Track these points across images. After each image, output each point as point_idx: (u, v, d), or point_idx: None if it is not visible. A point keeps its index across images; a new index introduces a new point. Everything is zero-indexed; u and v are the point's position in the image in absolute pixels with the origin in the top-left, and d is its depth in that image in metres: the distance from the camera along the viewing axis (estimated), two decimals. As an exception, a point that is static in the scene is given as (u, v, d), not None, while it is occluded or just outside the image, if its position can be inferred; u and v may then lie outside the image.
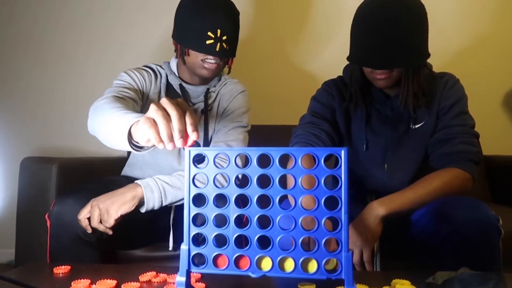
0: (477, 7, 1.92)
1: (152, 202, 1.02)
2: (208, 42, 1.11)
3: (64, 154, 1.78)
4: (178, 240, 1.12)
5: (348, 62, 1.10)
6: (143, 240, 1.17)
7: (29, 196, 1.28)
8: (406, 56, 0.97)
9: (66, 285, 0.69)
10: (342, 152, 0.54)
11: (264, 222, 0.57)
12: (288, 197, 0.64)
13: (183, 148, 1.21)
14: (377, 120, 1.12)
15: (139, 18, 1.95)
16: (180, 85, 1.24)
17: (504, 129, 1.91)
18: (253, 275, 0.57)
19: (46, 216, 1.00)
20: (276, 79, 1.95)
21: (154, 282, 0.72)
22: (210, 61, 1.14)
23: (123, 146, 0.79)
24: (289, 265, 0.56)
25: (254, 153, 0.57)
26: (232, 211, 0.58)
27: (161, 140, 0.62)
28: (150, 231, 1.16)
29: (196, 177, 0.59)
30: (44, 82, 1.95)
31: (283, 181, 0.57)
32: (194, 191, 0.59)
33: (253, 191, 0.57)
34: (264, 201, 0.57)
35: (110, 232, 0.97)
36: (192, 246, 0.58)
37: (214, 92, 1.27)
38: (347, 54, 1.06)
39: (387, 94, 1.11)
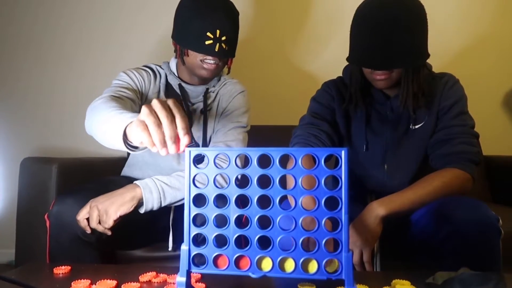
0: (477, 7, 1.92)
1: (151, 203, 1.02)
2: (207, 42, 1.11)
3: (64, 154, 1.78)
4: (178, 241, 1.12)
5: (347, 63, 1.10)
6: (142, 240, 1.17)
7: (29, 196, 1.28)
8: (406, 56, 0.97)
9: (66, 285, 0.69)
10: (343, 152, 0.54)
11: (264, 222, 0.57)
12: (288, 197, 0.64)
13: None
14: (377, 120, 1.12)
15: (139, 18, 1.95)
16: (180, 85, 1.24)
17: (504, 129, 1.91)
18: (253, 276, 0.57)
19: (46, 216, 1.00)
20: (276, 80, 1.95)
21: (154, 282, 0.72)
22: (209, 61, 1.15)
23: (118, 145, 0.79)
24: (290, 265, 0.56)
25: (254, 153, 0.57)
26: (233, 212, 0.58)
27: (154, 144, 0.63)
28: (149, 232, 1.16)
29: (196, 177, 0.59)
30: (44, 82, 1.95)
31: (283, 182, 0.57)
32: (194, 192, 0.59)
33: (254, 192, 0.57)
34: (264, 201, 0.57)
35: (109, 233, 0.97)
36: (192, 246, 0.58)
37: (213, 92, 1.27)
38: (347, 54, 1.07)
39: (387, 95, 1.11)
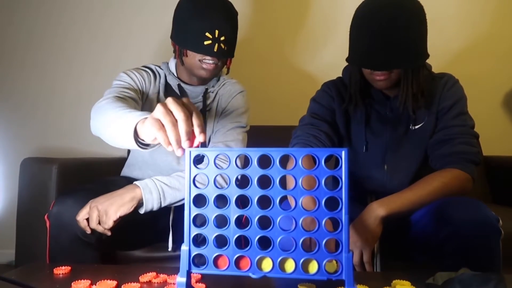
0: (477, 8, 1.92)
1: (151, 203, 1.02)
2: (206, 42, 1.11)
3: (64, 155, 1.78)
4: (178, 241, 1.12)
5: (347, 63, 1.10)
6: (142, 241, 1.17)
7: (29, 197, 1.28)
8: (405, 57, 0.97)
9: (66, 285, 0.69)
10: (343, 152, 0.54)
11: (264, 222, 0.57)
12: (288, 197, 0.64)
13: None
14: (377, 121, 1.12)
15: (139, 18, 1.95)
16: (179, 85, 1.24)
17: (504, 130, 1.91)
18: (253, 276, 0.57)
19: (46, 216, 1.00)
20: (275, 80, 1.95)
21: (154, 282, 0.72)
22: (208, 61, 1.14)
23: (128, 144, 0.78)
24: (290, 265, 0.56)
25: (254, 153, 0.57)
26: (233, 212, 0.58)
27: (169, 144, 0.63)
28: (149, 232, 1.16)
29: (196, 177, 0.59)
30: (44, 82, 1.95)
31: (283, 182, 0.57)
32: (194, 192, 0.59)
33: (254, 192, 0.57)
34: (264, 201, 0.57)
35: (109, 233, 0.97)
36: (192, 246, 0.58)
37: (212, 92, 1.27)
38: (346, 55, 1.07)
39: (387, 95, 1.11)
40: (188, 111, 0.62)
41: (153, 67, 1.27)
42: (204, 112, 1.23)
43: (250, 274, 0.57)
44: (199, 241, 0.59)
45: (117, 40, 1.95)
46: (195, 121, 0.62)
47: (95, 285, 0.69)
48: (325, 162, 0.55)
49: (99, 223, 0.95)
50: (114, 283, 0.70)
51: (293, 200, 0.57)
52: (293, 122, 1.24)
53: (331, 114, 1.15)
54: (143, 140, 0.75)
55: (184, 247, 0.58)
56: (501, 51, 1.91)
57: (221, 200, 0.58)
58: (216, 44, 1.11)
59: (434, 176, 0.97)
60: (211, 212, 0.58)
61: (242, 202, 0.58)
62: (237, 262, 0.58)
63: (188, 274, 0.58)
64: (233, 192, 0.58)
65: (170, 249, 1.12)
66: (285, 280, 0.62)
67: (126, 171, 1.32)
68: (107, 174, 1.37)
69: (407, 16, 0.96)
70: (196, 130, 0.62)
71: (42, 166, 1.27)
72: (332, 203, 0.55)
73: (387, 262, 0.94)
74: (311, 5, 1.95)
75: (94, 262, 0.99)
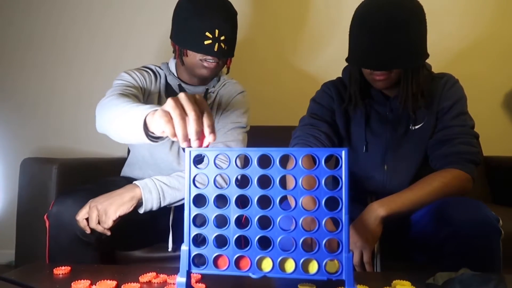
0: (477, 7, 1.92)
1: (151, 203, 1.02)
2: (206, 42, 1.11)
3: (64, 155, 1.78)
4: (178, 241, 1.12)
5: (347, 64, 1.10)
6: (142, 241, 1.17)
7: (29, 197, 1.28)
8: (405, 57, 0.97)
9: (66, 285, 0.69)
10: (343, 152, 0.54)
11: (264, 222, 0.57)
12: (288, 197, 0.64)
13: (183, 149, 1.21)
14: (377, 121, 1.12)
15: (139, 18, 1.95)
16: (179, 85, 1.24)
17: (504, 130, 1.91)
18: (253, 276, 0.57)
19: (45, 216, 1.00)
20: (275, 80, 1.95)
21: (154, 283, 0.72)
22: (209, 60, 1.14)
23: (137, 138, 0.77)
24: (290, 265, 0.56)
25: (254, 153, 0.57)
26: (233, 212, 0.58)
27: (175, 136, 0.61)
28: (149, 232, 1.16)
29: (196, 177, 0.59)
30: (44, 83, 1.95)
31: (283, 182, 0.57)
32: (194, 192, 0.59)
33: (254, 192, 0.57)
34: (264, 201, 0.57)
35: (109, 233, 0.97)
36: (192, 246, 0.58)
37: (213, 92, 1.26)
38: (346, 55, 1.07)
39: (387, 95, 1.11)
40: (200, 110, 0.61)
41: (153, 67, 1.27)
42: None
43: (250, 274, 0.57)
44: (199, 241, 0.59)
45: (117, 40, 1.95)
46: (205, 121, 0.61)
47: (95, 285, 0.69)
48: (325, 162, 0.55)
49: (99, 222, 0.95)
50: (114, 283, 0.70)
51: (293, 200, 0.56)
52: (293, 122, 1.24)
53: (331, 115, 1.15)
54: (152, 133, 0.74)
55: (184, 247, 0.58)
56: (501, 51, 1.91)
57: (221, 200, 0.58)
58: (217, 43, 1.11)
59: (434, 176, 0.97)
60: (211, 212, 0.58)
61: (242, 202, 0.58)
62: (237, 262, 0.57)
63: (188, 274, 0.58)
64: (233, 192, 0.58)
65: (170, 249, 1.12)
66: (285, 280, 0.62)
67: (126, 171, 1.32)
68: (107, 174, 1.37)
69: (406, 16, 0.96)
70: (206, 130, 0.61)
71: (42, 166, 1.27)
72: (332, 203, 0.55)
73: (387, 262, 0.94)
74: (311, 5, 1.95)
75: (93, 262, 0.99)
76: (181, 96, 0.62)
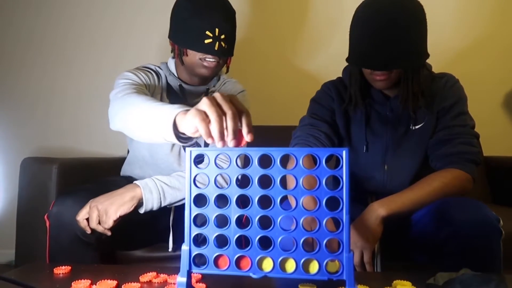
0: (477, 7, 1.92)
1: (151, 203, 1.02)
2: (206, 41, 1.11)
3: (64, 155, 1.78)
4: (178, 241, 1.12)
5: (347, 63, 1.10)
6: (142, 241, 1.17)
7: (29, 197, 1.27)
8: (405, 57, 0.97)
9: (66, 285, 0.69)
10: (344, 152, 0.54)
11: (265, 222, 0.57)
12: (288, 197, 0.64)
13: (184, 149, 1.21)
14: (377, 121, 1.12)
15: (139, 18, 1.95)
16: (180, 85, 1.23)
17: (504, 130, 1.91)
18: (254, 276, 0.57)
19: (46, 216, 1.00)
20: (275, 80, 1.95)
21: (155, 282, 0.72)
22: (209, 59, 1.14)
23: (164, 137, 0.74)
24: (290, 265, 0.56)
25: (255, 153, 0.57)
26: (233, 212, 0.58)
27: (210, 136, 0.60)
28: (149, 232, 1.15)
29: (196, 177, 0.59)
30: (44, 82, 1.95)
31: (284, 182, 0.57)
32: (195, 192, 0.59)
33: (254, 192, 0.57)
34: (265, 201, 0.57)
35: (109, 233, 0.97)
36: (193, 246, 0.58)
37: (213, 92, 1.26)
38: (347, 55, 1.06)
39: (387, 95, 1.11)
40: (237, 109, 0.60)
41: (153, 67, 1.27)
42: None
43: (251, 274, 0.57)
44: (199, 241, 0.59)
45: (117, 40, 1.95)
46: (244, 120, 0.60)
47: (95, 285, 0.69)
48: (325, 162, 0.55)
49: (99, 222, 0.95)
50: (114, 283, 0.70)
51: (293, 200, 0.56)
52: (293, 122, 1.24)
53: (331, 115, 1.15)
54: (183, 133, 0.72)
55: (184, 247, 0.58)
56: (502, 50, 1.91)
57: (221, 200, 0.58)
58: (217, 42, 1.11)
59: (434, 176, 0.97)
60: (211, 212, 0.58)
61: (243, 202, 0.58)
62: (238, 262, 0.57)
63: (189, 274, 0.58)
64: (233, 192, 0.58)
65: (170, 249, 1.12)
66: (285, 280, 0.61)
67: (126, 170, 1.32)
68: (107, 174, 1.37)
69: (407, 16, 0.96)
70: (245, 129, 0.60)
71: (42, 166, 1.27)
72: (333, 203, 0.55)
73: (388, 262, 0.94)
74: (311, 5, 1.95)
75: (94, 262, 0.99)
76: (217, 95, 0.61)
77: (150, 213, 1.03)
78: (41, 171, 1.26)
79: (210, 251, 0.58)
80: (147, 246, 1.16)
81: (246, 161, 0.59)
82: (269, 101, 1.91)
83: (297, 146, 1.09)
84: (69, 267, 0.79)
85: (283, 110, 1.90)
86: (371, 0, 1.01)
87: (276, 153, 0.56)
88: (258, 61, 1.94)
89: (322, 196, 0.55)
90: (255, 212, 0.57)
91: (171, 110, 0.73)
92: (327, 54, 1.92)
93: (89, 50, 1.95)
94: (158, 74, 1.25)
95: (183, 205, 0.60)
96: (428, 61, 1.08)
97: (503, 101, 1.92)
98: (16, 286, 0.66)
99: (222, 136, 0.58)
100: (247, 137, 0.60)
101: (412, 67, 1.00)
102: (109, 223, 0.95)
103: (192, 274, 0.61)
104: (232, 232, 0.57)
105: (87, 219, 0.96)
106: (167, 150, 1.20)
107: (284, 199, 0.57)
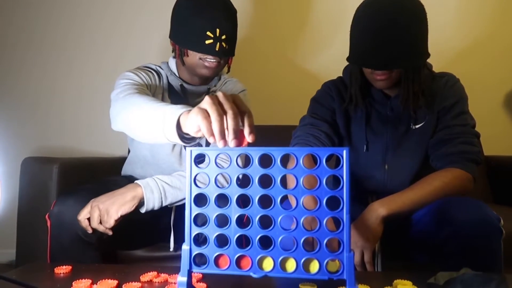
0: (477, 7, 1.92)
1: (152, 203, 1.02)
2: (207, 41, 1.11)
3: (65, 154, 1.78)
4: (179, 241, 1.12)
5: (348, 63, 1.10)
6: (143, 240, 1.17)
7: (30, 196, 1.27)
8: (406, 56, 0.97)
9: (67, 285, 0.69)
10: (344, 152, 0.54)
11: (265, 222, 0.57)
12: (289, 197, 0.64)
13: (185, 149, 1.21)
14: (377, 120, 1.12)
15: (139, 18, 1.95)
16: (181, 85, 1.23)
17: (504, 129, 1.90)
18: (254, 275, 0.57)
19: (47, 216, 1.00)
20: (276, 79, 1.95)
21: (155, 282, 0.72)
22: (210, 60, 1.14)
23: (167, 137, 0.74)
24: (291, 265, 0.56)
25: (255, 153, 0.57)
26: (234, 211, 0.58)
27: (212, 134, 0.59)
28: (150, 232, 1.16)
29: (197, 177, 0.59)
30: (45, 82, 1.95)
31: (284, 181, 0.57)
32: (195, 191, 0.59)
33: (255, 191, 0.57)
34: (265, 201, 0.57)
35: (110, 233, 0.97)
36: (193, 246, 0.58)
37: (215, 92, 1.26)
38: (347, 54, 1.06)
39: (387, 95, 1.11)
40: (240, 110, 0.60)
41: (153, 67, 1.27)
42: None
43: (251, 274, 0.57)
44: (200, 240, 0.59)
45: (117, 40, 1.95)
46: (246, 120, 0.60)
47: (96, 284, 0.69)
48: (325, 162, 0.55)
49: (100, 222, 0.95)
50: (115, 282, 0.70)
51: (294, 200, 0.56)
52: (294, 121, 1.24)
53: (331, 114, 1.15)
54: (186, 134, 0.72)
55: (185, 247, 0.58)
56: (502, 50, 1.91)
57: (222, 200, 0.58)
58: (218, 43, 1.11)
59: (435, 175, 0.97)
60: (212, 211, 0.58)
61: (243, 201, 0.58)
62: (238, 261, 0.57)
63: (189, 273, 0.58)
64: (234, 192, 0.58)
65: (171, 249, 1.12)
66: (286, 279, 0.61)
67: (127, 169, 1.32)
68: (108, 173, 1.37)
69: (407, 15, 0.96)
70: (246, 130, 0.59)
71: (43, 166, 1.27)
72: (333, 203, 0.55)
73: (388, 262, 0.94)
74: (312, 4, 1.95)
75: (95, 261, 0.99)
76: (219, 94, 0.61)
77: (151, 212, 1.03)
78: (42, 171, 1.26)
79: (210, 250, 0.58)
80: (148, 246, 1.16)
81: (247, 161, 0.59)
82: (270, 101, 1.91)
83: (297, 145, 1.09)
84: (70, 267, 0.79)
85: (283, 109, 1.90)
86: (372, 0, 1.01)
87: (277, 152, 0.56)
88: (259, 60, 1.94)
89: (322, 196, 0.55)
90: (255, 212, 0.57)
91: (175, 110, 0.73)
92: (328, 53, 1.92)
93: (90, 49, 1.95)
94: (159, 74, 1.25)
95: (184, 204, 0.60)
96: (428, 60, 1.08)
97: (503, 100, 1.91)
98: (17, 286, 0.66)
99: (222, 135, 0.58)
100: (248, 138, 0.60)
101: (413, 66, 1.00)
102: (110, 222, 0.95)
103: (192, 273, 0.61)
104: (233, 231, 0.57)
105: (88, 219, 0.96)
106: (168, 150, 1.20)
107: (285, 198, 0.57)
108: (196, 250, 0.58)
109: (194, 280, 0.71)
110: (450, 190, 0.94)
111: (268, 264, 0.57)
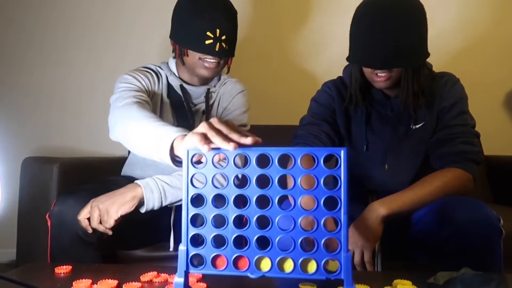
0: (477, 7, 1.91)
1: (152, 202, 1.02)
2: (207, 42, 1.11)
3: (65, 154, 1.78)
4: (179, 241, 1.11)
5: (348, 63, 1.10)
6: (143, 240, 1.17)
7: (30, 196, 1.28)
8: (406, 56, 0.97)
9: (67, 285, 0.69)
10: (342, 152, 0.53)
11: (263, 222, 0.57)
12: (289, 197, 0.64)
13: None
14: (377, 120, 1.11)
15: (140, 18, 1.95)
16: (181, 86, 1.23)
17: (505, 129, 1.90)
18: (252, 276, 0.57)
19: (47, 216, 1.00)
20: (276, 79, 1.94)
21: (155, 282, 0.72)
22: (210, 60, 1.14)
23: (160, 158, 0.78)
24: (288, 265, 0.56)
25: (253, 153, 0.57)
26: (231, 212, 0.58)
27: (206, 143, 0.60)
28: (150, 232, 1.16)
29: (195, 177, 0.59)
30: (45, 82, 1.96)
31: (282, 182, 0.57)
32: (192, 192, 0.59)
33: (252, 192, 0.57)
34: (263, 201, 0.57)
35: (110, 233, 0.97)
36: (190, 246, 0.58)
37: (214, 92, 1.26)
38: (347, 54, 1.06)
39: (387, 95, 1.10)
40: (233, 130, 0.61)
41: (153, 67, 1.26)
42: (207, 112, 1.23)
43: (249, 274, 0.57)
44: (198, 241, 0.59)
45: (117, 40, 1.95)
46: (233, 136, 0.60)
47: (96, 284, 0.69)
48: (325, 162, 0.55)
49: (100, 222, 0.95)
50: (115, 282, 0.70)
51: (292, 200, 0.56)
52: (294, 121, 1.24)
53: (332, 114, 1.15)
54: (178, 157, 0.75)
55: (181, 247, 0.58)
56: (502, 50, 1.90)
57: (219, 200, 0.58)
58: (218, 43, 1.11)
59: (435, 175, 0.97)
60: (209, 211, 0.58)
61: (241, 201, 0.58)
62: (236, 262, 0.57)
63: (186, 274, 0.58)
64: (231, 192, 0.58)
65: (171, 249, 1.11)
66: (286, 279, 0.61)
67: (127, 170, 1.32)
68: (108, 173, 1.37)
69: (407, 15, 0.96)
70: (242, 139, 0.59)
71: (43, 166, 1.27)
72: (333, 203, 0.55)
73: (388, 261, 0.94)
74: (312, 4, 1.95)
75: (95, 261, 0.99)
76: (214, 120, 0.63)
77: (151, 212, 1.03)
78: (42, 171, 1.26)
79: (207, 251, 0.58)
80: (148, 246, 1.16)
81: (246, 162, 0.59)
82: (270, 101, 1.91)
83: (297, 145, 1.09)
84: (70, 267, 0.79)
85: (283, 109, 1.89)
86: (372, 0, 1.00)
87: (274, 152, 0.56)
88: (259, 60, 1.94)
89: (320, 196, 0.55)
90: (253, 212, 0.57)
91: (170, 133, 0.76)
92: (328, 53, 1.92)
93: (90, 50, 1.95)
94: (158, 75, 1.25)
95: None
96: (428, 60, 1.07)
97: (503, 100, 1.91)
98: (17, 286, 0.66)
99: (227, 140, 0.59)
100: (247, 139, 0.60)
101: (413, 66, 1.00)
102: (110, 222, 0.95)
103: (192, 273, 0.61)
104: (230, 232, 0.57)
105: (88, 219, 0.96)
106: None
107: (284, 199, 0.57)
108: (193, 251, 0.58)
109: (194, 280, 0.71)
110: (450, 190, 0.94)
111: (265, 265, 0.57)
